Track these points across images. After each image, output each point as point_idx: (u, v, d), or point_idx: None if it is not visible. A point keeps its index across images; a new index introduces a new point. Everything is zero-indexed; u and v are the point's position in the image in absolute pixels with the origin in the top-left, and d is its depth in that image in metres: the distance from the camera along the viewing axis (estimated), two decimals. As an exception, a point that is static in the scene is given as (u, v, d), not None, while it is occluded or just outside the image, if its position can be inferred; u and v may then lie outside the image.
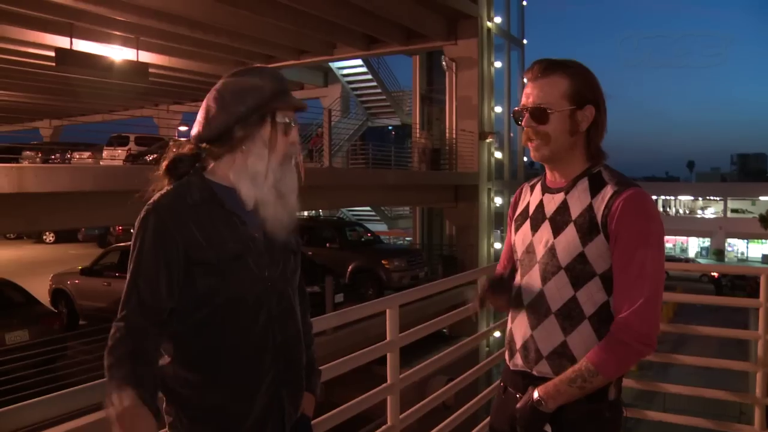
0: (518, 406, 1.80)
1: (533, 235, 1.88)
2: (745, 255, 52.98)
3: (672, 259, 46.30)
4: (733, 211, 54.92)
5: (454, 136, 18.44)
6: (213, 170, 1.73)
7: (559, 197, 1.84)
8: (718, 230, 52.79)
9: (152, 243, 1.59)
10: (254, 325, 1.68)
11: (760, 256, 51.33)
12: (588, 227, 1.74)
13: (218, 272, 1.63)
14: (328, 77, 26.59)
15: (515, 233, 1.97)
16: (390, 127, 30.22)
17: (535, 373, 1.83)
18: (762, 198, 53.43)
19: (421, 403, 3.17)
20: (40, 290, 12.02)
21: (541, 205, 1.89)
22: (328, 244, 15.46)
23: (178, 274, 1.61)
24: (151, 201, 1.64)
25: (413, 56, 20.93)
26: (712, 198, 57.23)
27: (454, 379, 3.54)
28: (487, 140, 18.49)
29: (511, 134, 20.84)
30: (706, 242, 54.27)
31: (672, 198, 59.70)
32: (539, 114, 1.79)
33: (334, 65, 23.94)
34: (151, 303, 1.59)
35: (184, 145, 1.75)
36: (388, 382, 2.95)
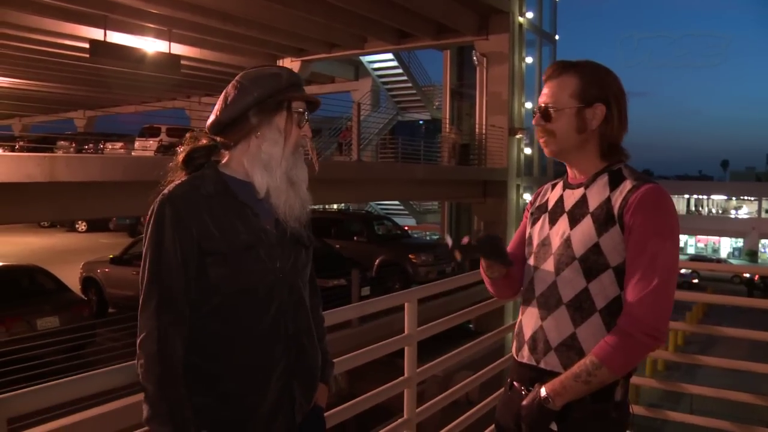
0: (524, 403, 1.79)
1: (551, 228, 1.90)
2: (780, 256, 52.03)
3: (703, 259, 45.69)
4: (768, 211, 53.94)
5: (483, 131, 18.34)
6: (227, 163, 1.76)
7: (579, 192, 1.86)
8: (751, 231, 51.89)
9: (171, 235, 1.61)
10: (265, 316, 1.69)
11: (796, 257, 50.40)
12: (604, 218, 1.76)
13: (230, 262, 1.65)
14: (359, 71, 26.63)
15: (531, 226, 1.99)
16: (421, 122, 30.17)
17: (542, 365, 1.82)
18: (798, 198, 52.40)
19: (439, 397, 3.16)
20: (72, 278, 12.24)
21: (561, 200, 1.91)
22: (355, 238, 15.51)
23: (193, 265, 1.63)
24: (166, 192, 1.66)
25: (444, 51, 20.85)
26: (746, 198, 56.22)
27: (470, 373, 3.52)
28: (517, 136, 18.36)
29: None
30: (740, 243, 53.35)
31: (705, 197, 58.78)
32: (545, 113, 1.84)
33: (365, 59, 23.91)
34: (173, 296, 1.61)
35: (201, 138, 1.78)
36: (405, 375, 2.95)
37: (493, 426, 2.07)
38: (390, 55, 23.26)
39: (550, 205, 1.94)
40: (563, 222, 1.86)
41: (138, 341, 1.60)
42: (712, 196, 58.89)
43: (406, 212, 29.45)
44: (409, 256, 14.67)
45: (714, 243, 54.76)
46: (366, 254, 14.55)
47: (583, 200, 1.83)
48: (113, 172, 9.06)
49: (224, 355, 1.67)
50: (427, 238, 24.54)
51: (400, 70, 24.37)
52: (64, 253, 19.77)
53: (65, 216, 17.00)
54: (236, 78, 1.76)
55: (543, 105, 1.85)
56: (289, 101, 1.74)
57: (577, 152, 1.86)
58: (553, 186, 2.01)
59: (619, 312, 1.72)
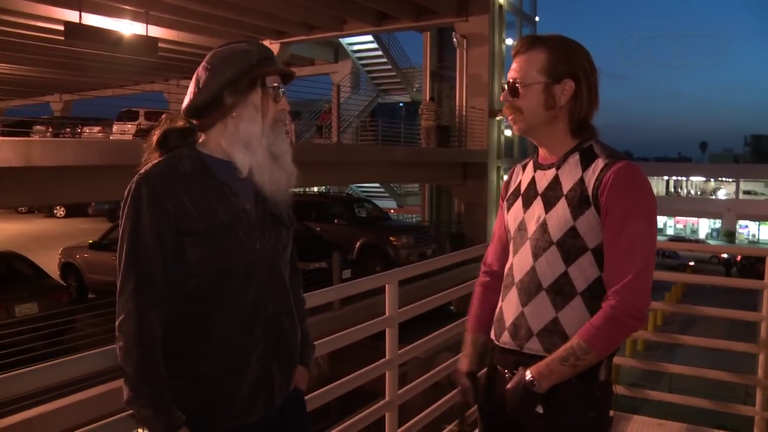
0: (509, 387, 1.77)
1: (525, 212, 1.87)
2: (757, 237, 52.70)
3: (682, 240, 46.22)
4: (746, 192, 54.56)
5: (464, 113, 18.33)
6: (204, 142, 1.73)
7: (551, 173, 1.83)
8: (726, 211, 52.54)
9: (148, 215, 1.58)
10: (245, 297, 1.67)
11: (772, 238, 51.06)
12: (579, 200, 1.73)
13: (208, 243, 1.62)
14: (339, 53, 26.47)
15: (507, 212, 1.96)
16: (401, 104, 30.08)
17: (525, 350, 1.80)
18: (775, 180, 53.06)
19: (420, 379, 3.17)
20: (50, 264, 12.11)
21: (533, 182, 1.88)
22: (336, 220, 15.48)
23: (171, 245, 1.60)
24: (142, 171, 1.63)
25: (424, 33, 20.76)
26: (724, 179, 56.81)
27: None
28: (497, 118, 18.37)
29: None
30: (718, 224, 53.98)
31: (684, 179, 59.33)
32: (512, 88, 1.81)
33: (345, 41, 23.78)
34: (151, 277, 1.58)
35: (177, 120, 1.75)
36: (387, 357, 2.95)
37: (475, 408, 2.06)
38: (370, 37, 23.13)
39: (523, 187, 1.91)
40: (538, 205, 1.83)
41: (117, 324, 1.58)
42: (691, 178, 59.43)
43: (387, 195, 29.41)
44: (390, 238, 14.68)
45: (693, 224, 55.34)
46: (347, 237, 14.53)
47: (556, 182, 1.80)
48: (89, 156, 8.96)
49: (203, 337, 1.65)
50: (413, 220, 24.56)
51: (379, 52, 24.24)
52: (42, 238, 19.54)
53: (43, 201, 16.78)
54: (205, 59, 1.73)
55: (511, 80, 1.82)
56: (263, 77, 1.70)
57: (546, 130, 1.83)
58: (524, 167, 1.98)
59: (600, 293, 1.71)
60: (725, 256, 38.69)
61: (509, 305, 1.86)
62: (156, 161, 1.66)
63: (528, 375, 1.73)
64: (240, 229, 1.67)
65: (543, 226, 1.79)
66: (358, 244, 14.68)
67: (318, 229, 14.21)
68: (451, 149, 18.23)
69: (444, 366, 3.36)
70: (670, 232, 55.42)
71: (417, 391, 3.14)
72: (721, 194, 56.33)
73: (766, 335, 3.60)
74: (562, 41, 1.80)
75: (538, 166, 1.89)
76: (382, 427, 3.02)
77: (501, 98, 1.87)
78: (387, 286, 2.92)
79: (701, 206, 54.39)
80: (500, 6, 18.49)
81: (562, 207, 1.76)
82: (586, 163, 1.76)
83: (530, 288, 1.80)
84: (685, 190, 59.36)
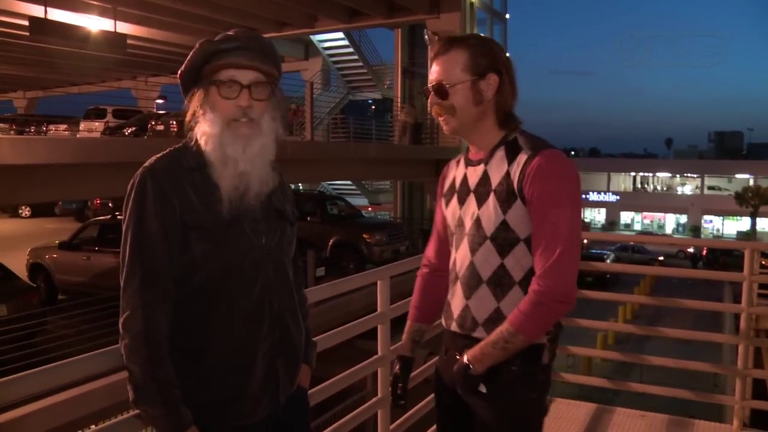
0: (454, 369, 1.85)
1: (461, 208, 1.94)
2: (721, 231, 53.71)
3: (650, 234, 46.93)
4: (710, 188, 55.56)
5: (435, 110, 18.37)
6: None
7: (480, 169, 1.89)
8: (690, 207, 53.51)
9: (153, 209, 1.55)
10: (250, 293, 1.66)
11: (735, 232, 52.05)
12: (506, 194, 1.79)
13: (214, 238, 1.60)
14: (309, 50, 26.35)
15: (446, 208, 2.02)
16: (370, 101, 30.04)
17: (473, 335, 1.88)
18: (737, 176, 54.14)
19: (412, 374, 3.18)
20: (18, 265, 11.91)
21: (465, 179, 1.95)
22: (309, 218, 15.42)
23: (177, 240, 1.58)
24: (147, 165, 1.60)
25: (395, 30, 20.78)
26: (689, 175, 57.78)
27: (434, 353, 3.55)
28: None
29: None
30: (684, 219, 54.89)
31: (650, 175, 60.23)
32: (440, 90, 1.86)
33: (315, 38, 23.72)
34: (157, 273, 1.56)
35: None
36: (379, 353, 2.94)
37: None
38: (341, 34, 23.11)
39: (457, 184, 1.98)
40: (471, 201, 1.89)
41: (121, 321, 1.55)
42: (657, 174, 60.36)
43: (359, 192, 29.42)
44: (363, 235, 14.69)
45: (659, 219, 56.20)
46: (320, 235, 14.51)
47: (486, 177, 1.86)
48: (61, 154, 8.80)
49: (208, 334, 1.63)
50: (386, 217, 24.58)
51: (350, 49, 24.23)
52: (8, 239, 19.21)
53: (11, 200, 16.45)
54: None
55: (436, 83, 1.86)
56: (210, 73, 1.64)
57: (476, 126, 1.88)
58: (457, 163, 2.04)
59: None
60: (691, 250, 39.54)
61: (455, 299, 1.95)
62: (159, 155, 1.64)
63: (465, 359, 1.81)
64: (246, 223, 1.65)
65: (477, 222, 1.86)
66: (331, 241, 14.68)
67: (291, 226, 14.16)
68: (423, 146, 18.30)
69: (429, 364, 3.39)
70: (637, 227, 56.23)
71: (408, 388, 3.15)
72: (687, 190, 57.32)
73: (746, 326, 3.67)
74: (477, 39, 1.89)
75: (468, 162, 1.96)
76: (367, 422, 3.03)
77: (429, 101, 1.90)
78: (379, 282, 2.92)
79: (667, 202, 55.30)
80: (471, 3, 18.58)
81: (492, 202, 1.82)
82: (511, 156, 1.82)
83: (471, 282, 1.88)
84: (652, 186, 60.28)
